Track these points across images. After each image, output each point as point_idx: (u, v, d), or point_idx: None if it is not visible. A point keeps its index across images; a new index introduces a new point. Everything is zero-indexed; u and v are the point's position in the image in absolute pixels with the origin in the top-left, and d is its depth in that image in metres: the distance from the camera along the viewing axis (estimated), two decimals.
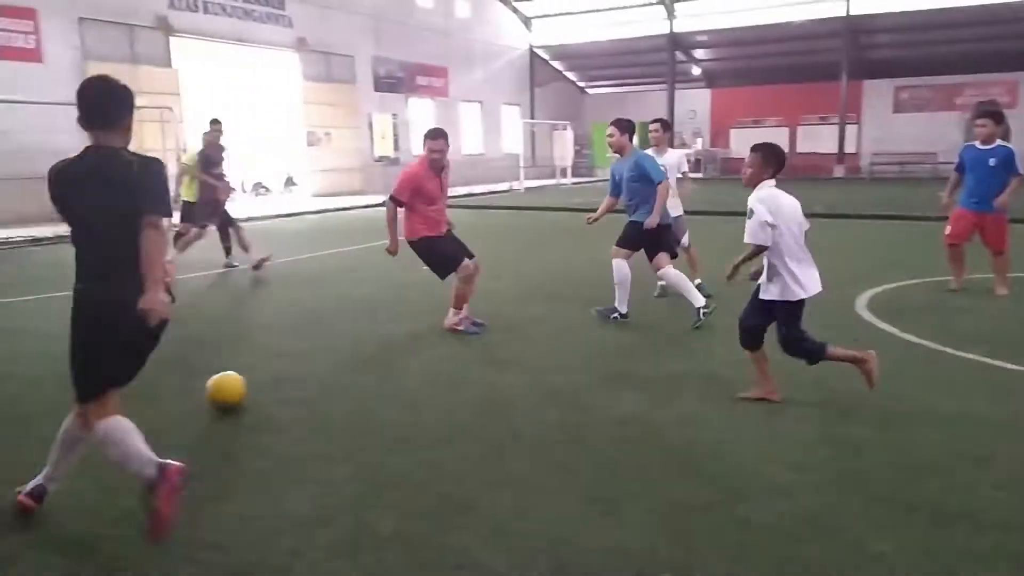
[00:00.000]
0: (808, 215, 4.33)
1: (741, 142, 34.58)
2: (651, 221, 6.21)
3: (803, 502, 3.15)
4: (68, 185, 2.85)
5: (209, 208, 9.53)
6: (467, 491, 3.30)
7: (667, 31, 31.45)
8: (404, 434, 3.99)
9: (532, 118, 32.91)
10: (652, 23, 31.60)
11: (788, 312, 4.19)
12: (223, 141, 9.82)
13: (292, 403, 4.54)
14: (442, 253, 6.18)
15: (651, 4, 30.94)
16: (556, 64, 36.18)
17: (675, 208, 7.28)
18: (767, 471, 3.45)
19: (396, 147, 26.10)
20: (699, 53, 34.47)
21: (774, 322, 4.28)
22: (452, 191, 6.28)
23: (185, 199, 9.61)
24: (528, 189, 25.59)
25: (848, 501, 3.16)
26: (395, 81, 26.13)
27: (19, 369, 5.32)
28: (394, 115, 26.02)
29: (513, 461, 3.63)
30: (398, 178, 6.18)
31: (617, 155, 6.50)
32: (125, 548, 2.86)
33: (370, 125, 24.91)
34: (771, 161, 4.18)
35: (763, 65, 33.10)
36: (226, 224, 9.81)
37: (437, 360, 5.46)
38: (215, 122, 9.73)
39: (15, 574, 2.72)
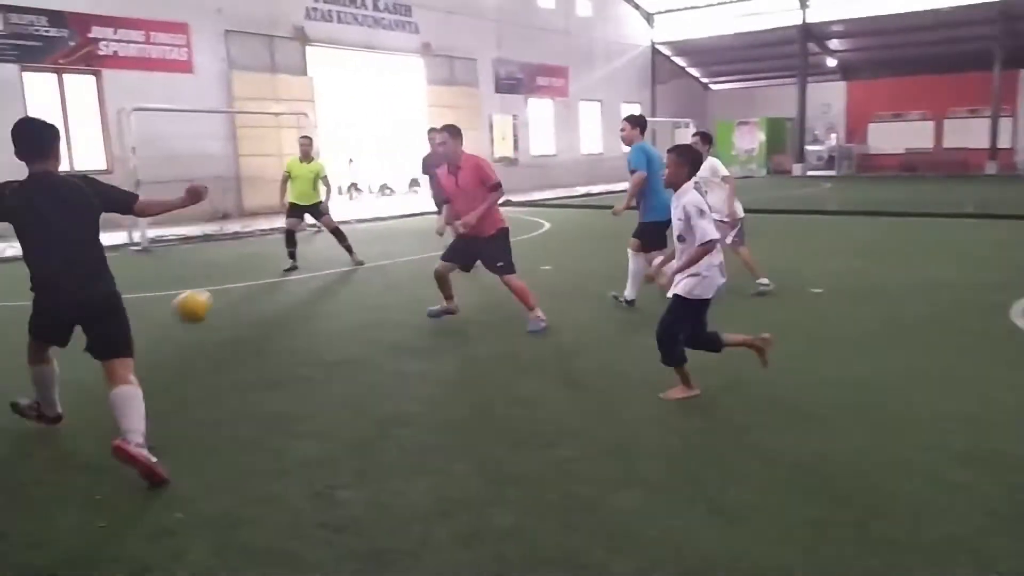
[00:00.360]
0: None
1: (881, 137, 32.60)
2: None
3: (950, 523, 2.92)
4: (36, 195, 3.46)
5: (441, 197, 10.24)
6: (589, 491, 3.28)
7: (799, 22, 30.08)
8: (522, 432, 4.02)
9: (653, 116, 32.32)
10: (783, 14, 30.29)
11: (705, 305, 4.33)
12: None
13: (415, 399, 4.68)
14: None
15: None
16: (678, 60, 35.42)
17: (717, 212, 7.19)
18: (909, 488, 3.22)
19: (516, 148, 26.39)
20: (834, 44, 32.70)
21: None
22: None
23: (292, 201, 10.11)
24: None
25: (1001, 525, 2.90)
26: (515, 82, 26.42)
27: (166, 359, 5.80)
28: (514, 116, 26.32)
29: (635, 464, 3.57)
30: None
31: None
32: (261, 528, 3.04)
33: (490, 126, 25.31)
34: (687, 161, 4.29)
35: (905, 55, 30.96)
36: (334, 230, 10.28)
37: (552, 361, 5.46)
38: (432, 130, 10.16)
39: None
